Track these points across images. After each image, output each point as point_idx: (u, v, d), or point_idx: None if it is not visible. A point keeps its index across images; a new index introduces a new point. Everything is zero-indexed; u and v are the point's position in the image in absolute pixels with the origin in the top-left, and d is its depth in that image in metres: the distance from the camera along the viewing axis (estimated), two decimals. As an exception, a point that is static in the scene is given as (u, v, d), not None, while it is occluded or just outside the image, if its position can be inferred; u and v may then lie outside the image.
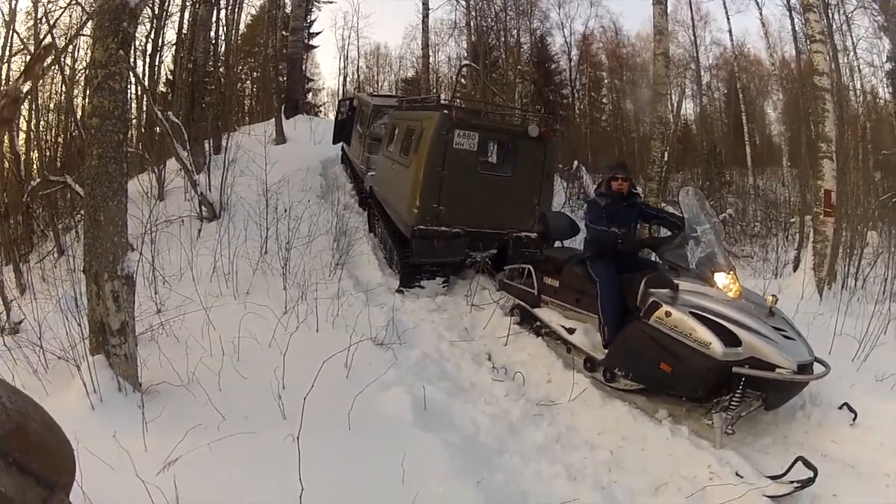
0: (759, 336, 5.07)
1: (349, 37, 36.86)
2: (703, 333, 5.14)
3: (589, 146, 26.18)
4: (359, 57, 36.21)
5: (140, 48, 19.26)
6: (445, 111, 9.36)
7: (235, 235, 8.15)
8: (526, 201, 9.83)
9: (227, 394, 4.86)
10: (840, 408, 5.32)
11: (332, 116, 22.31)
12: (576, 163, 16.22)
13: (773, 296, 5.66)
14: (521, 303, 7.66)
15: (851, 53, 22.63)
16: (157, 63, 19.28)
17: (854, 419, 5.20)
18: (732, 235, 16.11)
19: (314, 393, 4.11)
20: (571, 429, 5.46)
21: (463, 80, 21.11)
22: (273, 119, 19.40)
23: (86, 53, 17.68)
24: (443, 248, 9.18)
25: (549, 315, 7.20)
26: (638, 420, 5.44)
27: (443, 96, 14.85)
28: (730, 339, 5.06)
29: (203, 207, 10.11)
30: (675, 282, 5.65)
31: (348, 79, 35.51)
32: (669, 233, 6.62)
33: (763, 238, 15.70)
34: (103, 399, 4.58)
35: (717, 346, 5.02)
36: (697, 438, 5.09)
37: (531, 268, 7.61)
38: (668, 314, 5.43)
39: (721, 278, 5.52)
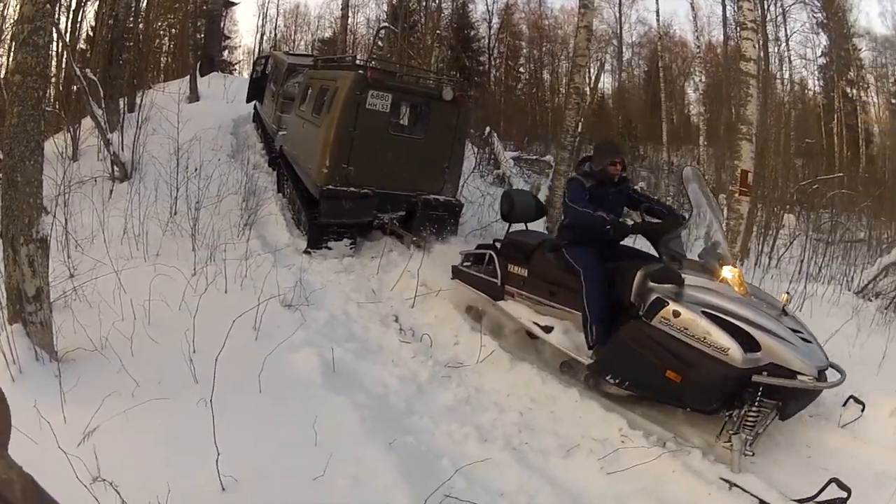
0: (778, 339, 4.67)
1: (271, -7, 36.20)
2: (720, 337, 4.64)
3: (502, 113, 26.72)
4: (277, 15, 35.75)
5: (65, 3, 18.75)
6: (360, 71, 9.45)
7: (146, 196, 8.11)
8: (436, 165, 10.01)
9: (140, 359, 4.92)
10: (844, 404, 5.20)
11: (247, 75, 22.10)
12: (488, 129, 16.41)
13: (786, 293, 5.44)
14: (481, 294, 6.90)
15: (783, 45, 23.69)
16: (79, 18, 18.75)
17: (863, 411, 5.09)
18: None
19: (224, 356, 4.27)
20: (480, 390, 5.63)
21: (380, 43, 21.22)
22: (188, 76, 19.31)
23: (14, 11, 17.18)
24: (351, 209, 9.27)
25: (516, 310, 6.45)
26: (547, 383, 5.62)
27: (359, 57, 15.19)
28: (748, 343, 4.62)
29: (115, 167, 9.99)
30: (682, 275, 5.11)
31: (265, 37, 35.06)
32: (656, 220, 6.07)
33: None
34: (22, 370, 4.59)
35: (735, 352, 4.54)
36: (608, 402, 5.28)
37: (493, 254, 6.88)
38: (676, 314, 4.89)
39: (728, 272, 5.09)
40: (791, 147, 18.11)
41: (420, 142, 9.82)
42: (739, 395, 4.66)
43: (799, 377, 4.52)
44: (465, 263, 7.33)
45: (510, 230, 7.17)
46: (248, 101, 16.98)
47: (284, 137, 11.96)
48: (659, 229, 5.78)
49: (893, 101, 24.67)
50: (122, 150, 10.16)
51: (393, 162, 9.42)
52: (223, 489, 3.47)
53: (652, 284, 5.18)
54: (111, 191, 9.33)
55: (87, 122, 11.20)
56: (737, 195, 10.04)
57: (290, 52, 20.66)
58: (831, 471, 4.25)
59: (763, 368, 4.56)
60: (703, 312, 4.77)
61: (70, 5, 19.22)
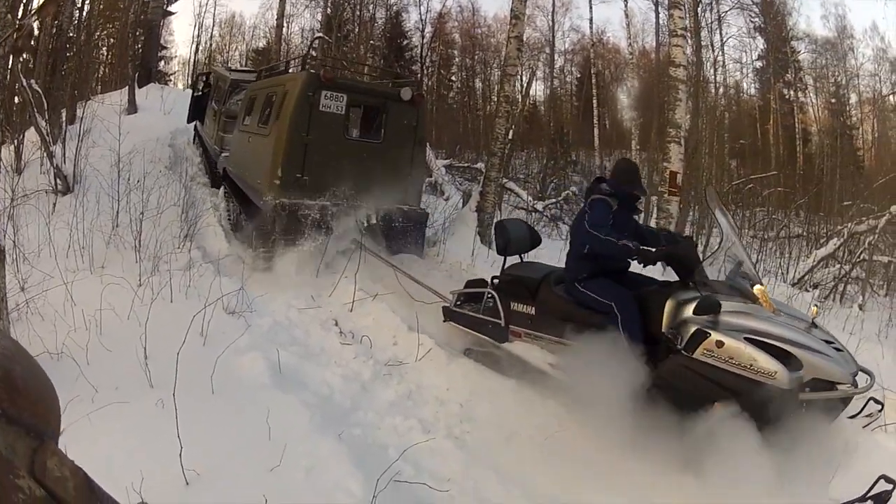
0: (816, 353, 4.73)
1: (206, 3, 36.13)
2: (766, 362, 4.63)
3: (434, 122, 26.97)
4: (213, 25, 35.67)
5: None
6: (312, 70, 9.16)
7: (89, 209, 8.23)
8: (398, 171, 9.51)
9: (96, 367, 5.12)
10: (865, 405, 5.22)
11: (182, 86, 22.08)
12: (419, 137, 16.55)
13: (815, 306, 5.40)
14: (482, 337, 6.39)
15: (718, 50, 24.58)
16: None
17: (881, 410, 5.18)
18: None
19: (175, 360, 4.50)
20: (421, 386, 6.00)
21: (314, 53, 21.61)
22: (126, 87, 19.26)
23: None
24: (309, 222, 8.70)
25: (526, 351, 6.00)
26: (484, 375, 6.02)
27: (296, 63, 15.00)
28: (791, 363, 4.66)
29: (58, 180, 10.02)
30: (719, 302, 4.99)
31: (201, 47, 34.96)
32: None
33: None
34: (-13, 383, 4.75)
35: (783, 375, 4.57)
36: (544, 390, 5.57)
37: (493, 292, 6.39)
38: (719, 344, 4.79)
39: (757, 291, 5.11)
40: (725, 148, 18.90)
41: (379, 147, 9.48)
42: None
43: (839, 387, 4.70)
44: (458, 303, 6.91)
45: (506, 265, 6.63)
46: (190, 121, 16.30)
47: (228, 159, 11.48)
48: (682, 255, 5.59)
49: (833, 101, 25.70)
50: (65, 162, 10.16)
51: (352, 170, 8.97)
52: (187, 483, 3.73)
53: (689, 315, 5.07)
54: (54, 204, 9.37)
55: (29, 135, 11.15)
56: (666, 195, 10.69)
57: (231, 67, 20.28)
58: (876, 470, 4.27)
59: (807, 385, 4.68)
60: (746, 339, 4.75)
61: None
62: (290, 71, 10.98)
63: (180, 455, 3.64)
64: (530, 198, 15.74)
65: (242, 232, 9.80)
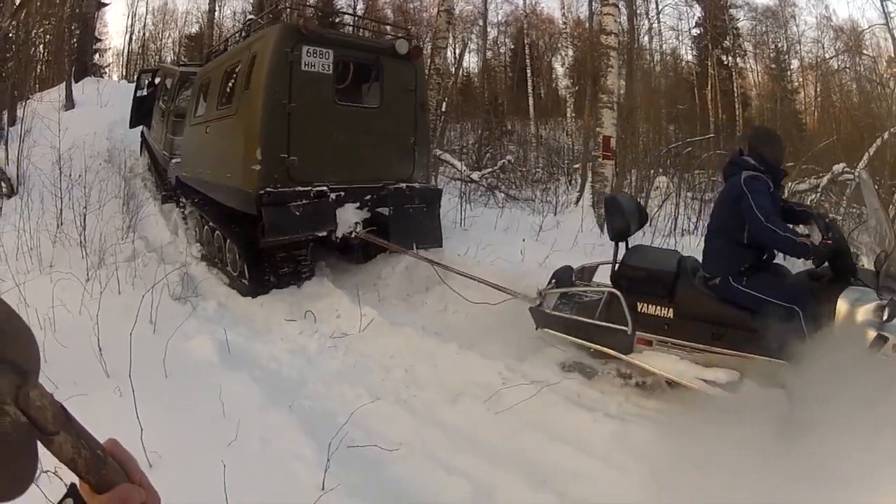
0: None
1: (139, -9, 35.61)
2: None
3: None
4: (147, 13, 35.26)
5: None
6: (288, 22, 8.15)
7: (34, 209, 8.38)
8: (401, 141, 8.35)
9: (54, 363, 5.15)
10: None
11: (116, 77, 21.73)
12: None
13: None
14: (600, 349, 5.38)
15: (654, 17, 25.03)
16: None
17: None
18: (513, 181, 17.42)
19: (128, 349, 4.69)
20: (365, 355, 6.20)
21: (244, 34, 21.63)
22: (64, 83, 19.30)
23: None
24: (305, 217, 7.34)
25: (663, 363, 5.12)
26: (425, 341, 6.19)
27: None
28: None
29: (2, 184, 10.05)
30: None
31: (135, 37, 34.54)
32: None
33: (545, 183, 17.12)
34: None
35: None
36: (484, 350, 5.84)
37: (615, 292, 5.30)
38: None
39: None
40: (662, 113, 19.36)
41: (376, 113, 8.18)
42: None
43: None
44: (558, 303, 5.89)
45: (620, 252, 5.65)
46: (133, 125, 14.39)
47: (180, 164, 10.16)
48: (845, 249, 4.80)
49: (773, 66, 26.30)
50: (8, 164, 10.24)
51: (347, 143, 7.77)
52: (150, 465, 3.83)
53: (864, 318, 4.43)
54: (0, 208, 9.46)
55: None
56: (601, 159, 11.03)
57: (185, 62, 18.25)
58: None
59: None
60: None
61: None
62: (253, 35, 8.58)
63: (141, 439, 3.76)
64: (465, 168, 15.76)
65: (235, 264, 8.12)
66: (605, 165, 11.10)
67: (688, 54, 28.10)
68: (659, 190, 13.77)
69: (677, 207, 12.33)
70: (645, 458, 4.65)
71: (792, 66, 26.25)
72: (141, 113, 13.95)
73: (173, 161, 10.64)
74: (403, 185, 8.18)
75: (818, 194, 12.71)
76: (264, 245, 7.38)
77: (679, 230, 11.33)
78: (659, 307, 5.16)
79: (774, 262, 5.20)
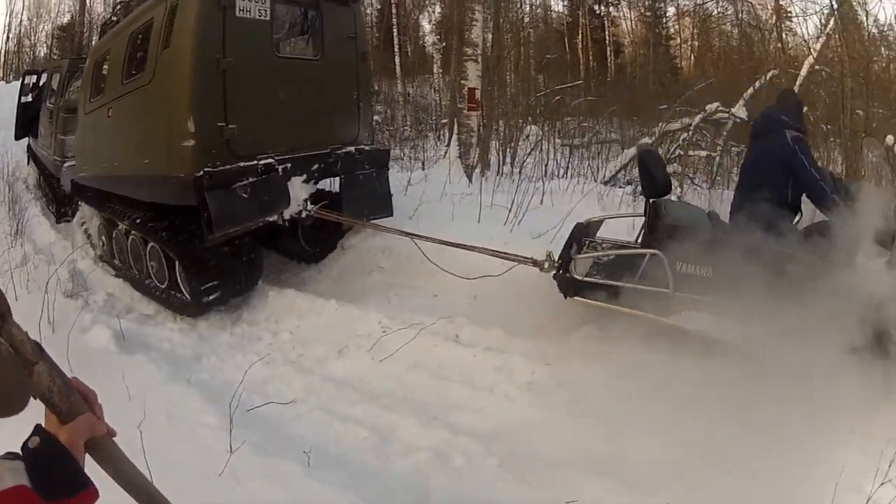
0: None
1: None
2: None
3: None
4: (24, 8, 33.99)
5: None
6: None
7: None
8: (344, 98, 7.46)
9: None
10: None
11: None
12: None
13: None
14: (638, 314, 5.02)
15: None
16: None
17: None
18: (381, 141, 17.30)
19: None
20: (252, 324, 6.44)
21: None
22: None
23: None
24: (255, 199, 6.31)
25: (702, 323, 4.91)
26: (307, 301, 6.46)
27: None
28: None
29: None
30: None
31: (11, 33, 33.29)
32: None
33: (413, 140, 17.33)
34: None
35: None
36: (363, 301, 6.29)
37: (657, 253, 4.99)
38: None
39: None
40: (531, 64, 19.88)
41: (318, 66, 7.23)
42: None
43: None
44: (589, 271, 5.51)
45: (655, 209, 5.38)
46: (19, 137, 12.71)
47: (76, 165, 8.61)
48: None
49: (648, 14, 27.10)
50: None
51: (289, 103, 6.82)
52: None
53: None
54: None
55: None
56: (465, 111, 11.25)
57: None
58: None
59: None
60: None
61: None
62: None
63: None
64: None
65: (174, 277, 6.79)
66: (471, 117, 11.32)
67: (558, 5, 28.32)
68: (529, 139, 14.20)
69: (547, 154, 12.88)
70: (529, 386, 5.11)
71: (668, 14, 27.07)
72: (27, 121, 12.15)
73: (66, 165, 9.22)
74: (352, 148, 7.30)
75: (690, 132, 13.30)
76: (212, 243, 6.22)
77: (549, 175, 11.90)
78: (698, 267, 4.96)
79: None
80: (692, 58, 24.74)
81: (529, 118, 15.65)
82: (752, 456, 4.11)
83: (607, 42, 26.46)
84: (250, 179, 6.31)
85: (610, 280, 5.22)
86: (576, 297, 5.34)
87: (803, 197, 5.40)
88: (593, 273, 5.43)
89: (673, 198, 6.44)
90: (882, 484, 3.58)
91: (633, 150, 12.85)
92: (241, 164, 6.28)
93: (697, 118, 13.07)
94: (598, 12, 27.27)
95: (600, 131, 16.18)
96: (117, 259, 7.82)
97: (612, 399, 4.75)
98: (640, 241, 5.64)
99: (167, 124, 6.34)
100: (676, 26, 26.45)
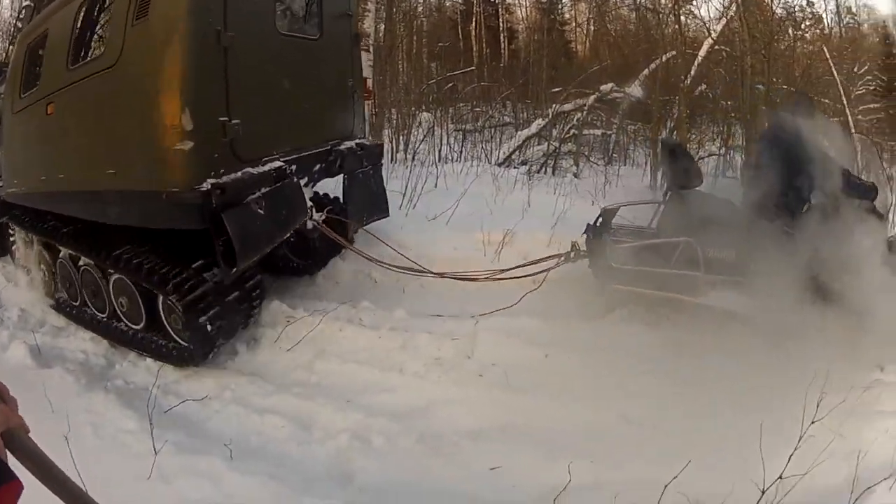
0: None
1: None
2: None
3: None
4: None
5: None
6: None
7: None
8: (341, 84, 6.62)
9: None
10: None
11: None
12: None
13: None
14: (672, 295, 5.74)
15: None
16: None
17: None
18: None
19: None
20: None
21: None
22: None
23: None
24: (273, 214, 5.34)
25: (728, 300, 5.60)
26: None
27: None
28: None
29: None
30: None
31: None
32: None
33: None
34: None
35: None
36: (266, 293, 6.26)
37: (691, 240, 5.62)
38: None
39: None
40: (424, 52, 20.22)
41: (318, 47, 6.23)
42: None
43: None
44: (624, 259, 5.87)
45: (683, 199, 6.02)
46: None
47: (4, 182, 7.07)
48: None
49: (544, 1, 27.56)
50: None
51: (293, 91, 5.81)
52: None
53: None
54: None
55: None
56: None
57: None
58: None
59: None
60: None
61: None
62: None
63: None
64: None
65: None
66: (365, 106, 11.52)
67: None
68: (422, 126, 14.61)
69: (440, 139, 13.35)
70: (437, 362, 5.42)
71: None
72: None
73: None
74: (352, 143, 6.52)
75: (584, 113, 13.89)
76: (231, 278, 5.29)
77: (442, 159, 12.37)
78: (722, 251, 5.67)
79: None
80: (587, 42, 25.35)
81: (422, 106, 16.14)
82: (675, 417, 4.57)
83: (501, 29, 26.87)
84: (263, 190, 5.23)
85: (646, 266, 5.69)
86: (616, 286, 5.87)
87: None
88: (632, 261, 5.79)
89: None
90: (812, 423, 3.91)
91: (526, 132, 13.36)
92: (249, 170, 5.19)
93: (591, 99, 13.76)
94: (492, 0, 27.65)
95: (493, 115, 16.70)
96: (65, 294, 6.59)
97: (521, 369, 5.16)
98: (656, 226, 6.25)
99: (146, 121, 4.88)
100: (572, 11, 27.08)
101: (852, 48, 19.71)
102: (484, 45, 25.04)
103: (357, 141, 6.68)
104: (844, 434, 4.12)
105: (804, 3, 19.06)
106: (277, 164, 5.45)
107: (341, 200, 6.81)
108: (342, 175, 6.52)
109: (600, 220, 6.28)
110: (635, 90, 13.61)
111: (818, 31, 21.53)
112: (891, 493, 3.70)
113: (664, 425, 4.56)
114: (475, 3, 26.59)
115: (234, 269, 5.09)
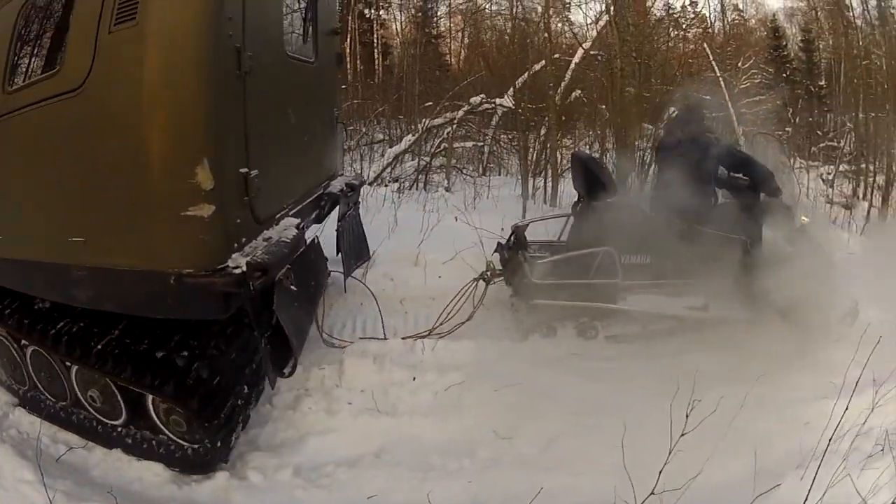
0: None
1: None
2: None
3: None
4: None
5: None
6: None
7: None
8: (329, 115, 6.01)
9: None
10: None
11: None
12: None
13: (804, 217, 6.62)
14: (593, 305, 6.20)
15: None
16: None
17: None
18: None
19: None
20: None
21: None
22: None
23: None
24: (307, 288, 5.03)
25: (644, 302, 6.28)
26: None
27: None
28: None
29: None
30: None
31: None
32: None
33: None
34: None
35: None
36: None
37: (610, 249, 6.05)
38: None
39: None
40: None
41: (314, 71, 5.52)
42: None
43: None
44: (547, 275, 6.14)
45: (596, 209, 6.32)
46: None
47: None
48: None
49: (419, 14, 27.97)
50: None
51: (298, 125, 5.00)
52: None
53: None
54: None
55: None
56: None
57: None
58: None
59: None
60: None
61: None
62: None
63: None
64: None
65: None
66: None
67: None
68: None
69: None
70: (307, 393, 5.60)
71: (440, 12, 28.13)
72: None
73: None
74: (343, 183, 5.97)
75: (454, 126, 14.37)
76: (285, 376, 4.67)
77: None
78: (638, 256, 6.13)
79: None
80: (461, 54, 26.01)
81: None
82: (542, 431, 5.03)
83: (376, 45, 27.25)
84: (290, 262, 4.39)
85: (566, 279, 6.09)
86: (536, 301, 6.15)
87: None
88: (552, 276, 6.14)
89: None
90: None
91: (396, 149, 13.73)
92: (269, 234, 4.25)
93: (461, 112, 14.18)
94: (367, 16, 27.92)
95: (368, 133, 16.96)
96: (10, 380, 5.36)
97: (390, 393, 5.50)
98: (567, 239, 6.72)
99: (137, 172, 3.58)
100: (448, 24, 27.63)
101: (737, 44, 20.83)
102: (358, 61, 25.29)
103: (346, 181, 6.17)
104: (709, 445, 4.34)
105: (687, 2, 19.96)
106: (293, 221, 4.55)
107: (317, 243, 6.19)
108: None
109: (513, 237, 6.62)
110: (507, 100, 14.04)
111: (701, 29, 22.70)
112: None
113: (531, 438, 4.97)
114: (350, 20, 26.87)
115: (290, 372, 4.49)
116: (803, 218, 6.56)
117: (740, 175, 6.32)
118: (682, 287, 6.18)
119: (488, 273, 6.48)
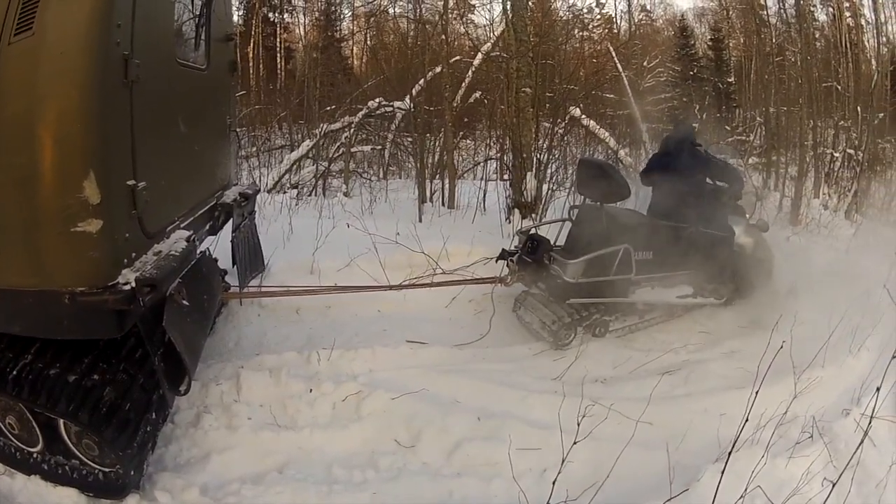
0: None
1: None
2: None
3: None
4: None
5: None
6: None
7: None
8: (221, 124, 5.77)
9: None
10: None
11: None
12: None
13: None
14: (611, 300, 6.58)
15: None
16: None
17: None
18: None
19: None
20: None
21: None
22: None
23: None
24: (200, 302, 4.72)
25: (648, 295, 6.75)
26: None
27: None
28: None
29: None
30: None
31: None
32: None
33: None
34: None
35: None
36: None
37: (628, 247, 6.35)
38: None
39: None
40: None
41: (205, 79, 5.27)
42: None
43: None
44: (579, 275, 6.36)
45: (603, 212, 6.62)
46: None
47: None
48: None
49: (322, 18, 27.93)
50: None
51: (188, 134, 4.73)
52: None
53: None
54: None
55: None
56: None
57: None
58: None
59: None
60: None
61: None
62: None
63: None
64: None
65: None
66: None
67: (235, 15, 28.22)
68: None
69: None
70: (206, 410, 5.32)
71: (344, 15, 28.07)
72: None
73: None
74: (236, 193, 5.76)
75: (352, 130, 14.26)
76: (181, 395, 4.49)
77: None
78: (644, 252, 6.46)
79: None
80: (364, 57, 25.97)
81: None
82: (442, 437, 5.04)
83: (279, 49, 27.09)
84: (181, 275, 4.19)
85: (594, 277, 6.34)
86: (572, 300, 6.45)
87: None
88: (583, 275, 6.35)
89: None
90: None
91: (294, 154, 13.60)
92: (159, 247, 4.03)
93: (358, 115, 14.11)
94: (271, 20, 27.76)
95: (268, 139, 16.92)
96: None
97: (289, 406, 5.34)
98: (565, 242, 6.95)
99: (25, 188, 3.35)
100: (351, 27, 27.67)
101: (643, 44, 21.19)
102: (261, 66, 25.12)
103: (240, 190, 5.95)
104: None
105: (594, 4, 20.26)
106: (184, 234, 4.35)
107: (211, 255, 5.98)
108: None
109: (529, 243, 6.71)
110: (405, 103, 14.02)
111: (607, 30, 23.08)
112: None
113: (435, 446, 4.98)
114: (253, 24, 26.64)
115: (186, 390, 4.36)
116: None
117: (720, 182, 7.08)
118: (678, 278, 6.81)
119: (509, 277, 6.78)
